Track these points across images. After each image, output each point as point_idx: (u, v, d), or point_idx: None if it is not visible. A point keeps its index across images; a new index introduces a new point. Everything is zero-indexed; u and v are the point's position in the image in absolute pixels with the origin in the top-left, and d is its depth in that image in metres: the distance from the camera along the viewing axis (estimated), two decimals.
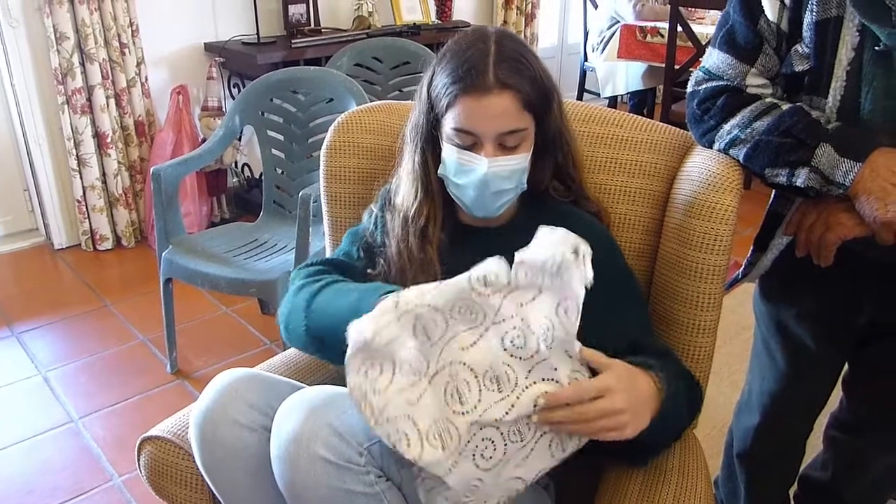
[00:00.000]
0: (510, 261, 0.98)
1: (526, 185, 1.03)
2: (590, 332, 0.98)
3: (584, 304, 0.89)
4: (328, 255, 1.39)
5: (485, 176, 0.97)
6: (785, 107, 1.00)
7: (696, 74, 1.11)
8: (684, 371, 1.04)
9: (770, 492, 1.46)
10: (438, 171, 1.05)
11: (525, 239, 1.06)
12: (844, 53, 0.95)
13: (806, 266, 1.06)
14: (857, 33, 0.94)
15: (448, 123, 0.99)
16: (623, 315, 1.03)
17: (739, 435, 1.42)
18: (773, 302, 1.25)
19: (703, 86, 1.09)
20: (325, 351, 0.97)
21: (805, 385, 1.28)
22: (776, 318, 1.25)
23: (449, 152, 1.01)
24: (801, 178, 0.97)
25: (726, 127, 1.04)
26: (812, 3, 0.96)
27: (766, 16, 1.01)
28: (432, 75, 1.01)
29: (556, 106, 1.02)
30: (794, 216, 1.06)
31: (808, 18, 0.97)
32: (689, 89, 1.12)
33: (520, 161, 0.99)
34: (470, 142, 0.98)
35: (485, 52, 0.96)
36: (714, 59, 1.08)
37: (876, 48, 0.93)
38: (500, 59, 0.95)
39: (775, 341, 1.27)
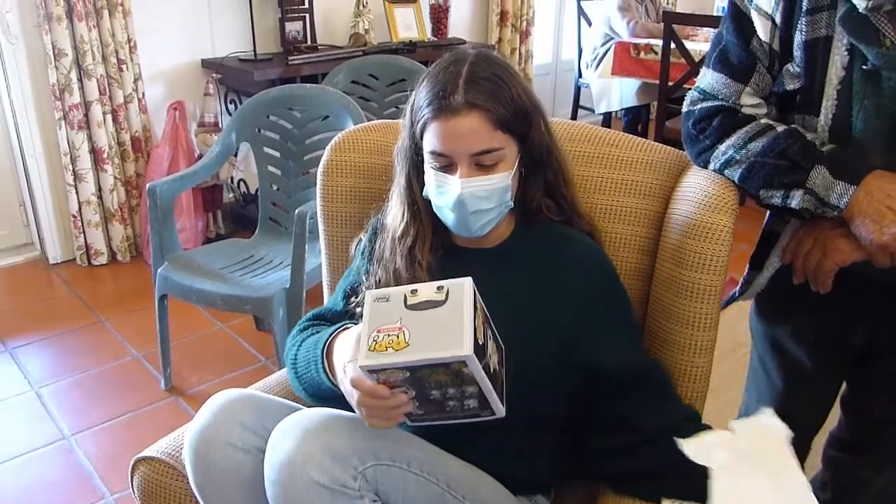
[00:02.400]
0: (505, 279, 0.98)
1: (512, 203, 1.03)
2: (575, 355, 0.99)
3: (574, 325, 0.90)
4: (325, 274, 1.40)
5: (460, 197, 0.98)
6: (780, 128, 1.00)
7: (690, 94, 1.12)
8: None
9: None
10: (423, 193, 1.05)
11: (519, 259, 1.06)
12: (834, 73, 0.96)
13: (801, 286, 1.06)
14: (847, 52, 0.95)
15: (425, 146, 1.00)
16: (613, 343, 1.03)
17: None
18: (769, 321, 1.25)
19: (699, 106, 1.10)
20: (335, 402, 0.98)
21: (802, 403, 1.28)
22: (772, 336, 1.25)
23: (428, 174, 1.02)
24: (796, 199, 0.97)
25: (721, 147, 1.05)
26: (802, 24, 0.97)
27: (758, 36, 1.02)
28: (413, 98, 1.02)
29: (540, 124, 1.03)
30: (789, 243, 1.06)
31: (797, 38, 0.99)
32: (684, 109, 1.12)
33: (498, 180, 0.98)
34: (446, 163, 0.99)
35: (457, 74, 0.96)
36: (708, 79, 1.09)
37: (864, 67, 0.94)
38: (471, 79, 0.96)
39: (771, 359, 1.27)
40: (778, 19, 1.00)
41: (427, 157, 1.01)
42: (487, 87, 0.96)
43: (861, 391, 1.23)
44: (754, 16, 1.02)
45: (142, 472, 1.10)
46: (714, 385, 1.18)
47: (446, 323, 0.79)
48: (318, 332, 1.08)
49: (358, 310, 1.10)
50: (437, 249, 1.08)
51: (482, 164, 0.97)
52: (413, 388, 0.83)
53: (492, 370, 0.82)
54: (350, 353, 0.89)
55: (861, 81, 0.94)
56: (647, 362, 1.07)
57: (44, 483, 1.84)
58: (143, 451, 1.12)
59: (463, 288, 0.81)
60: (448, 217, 1.02)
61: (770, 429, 0.85)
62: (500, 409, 0.86)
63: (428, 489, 0.92)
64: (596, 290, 1.04)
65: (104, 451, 1.96)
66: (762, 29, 1.02)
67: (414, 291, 0.82)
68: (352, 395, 0.88)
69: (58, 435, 2.02)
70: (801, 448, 1.33)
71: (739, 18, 1.04)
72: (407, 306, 0.81)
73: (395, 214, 1.09)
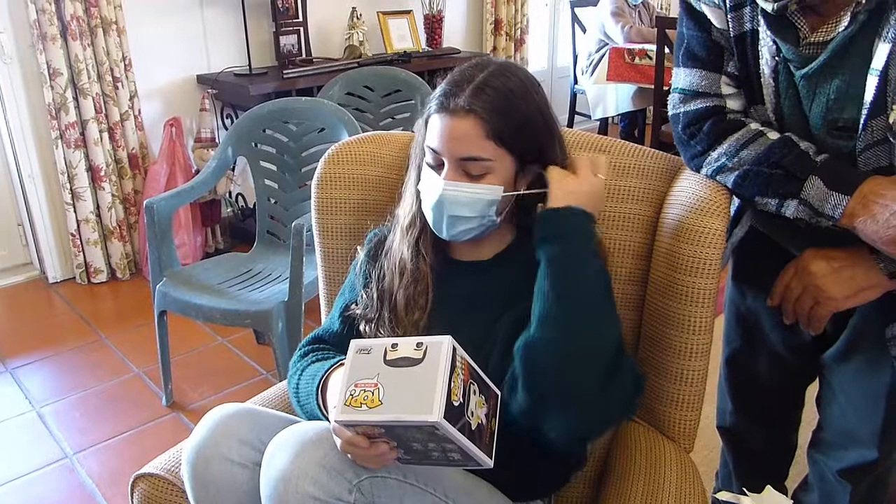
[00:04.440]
0: (485, 292, 0.96)
1: (496, 221, 1.01)
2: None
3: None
4: (321, 286, 1.40)
5: (440, 197, 0.98)
6: (773, 136, 1.01)
7: (672, 97, 1.12)
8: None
9: (757, 468, 1.46)
10: (419, 187, 1.06)
11: (508, 273, 1.05)
12: (765, 63, 0.99)
13: (770, 258, 1.09)
14: (773, 43, 0.97)
15: (426, 139, 1.01)
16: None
17: (720, 407, 1.45)
18: (741, 284, 1.29)
19: (684, 108, 1.09)
20: None
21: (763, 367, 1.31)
22: (742, 301, 1.29)
23: (424, 171, 1.03)
24: (791, 209, 0.98)
25: (713, 154, 1.05)
26: (729, 19, 1.01)
27: (715, 26, 1.04)
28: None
29: (552, 147, 1.01)
30: (776, 287, 1.07)
31: (730, 34, 1.02)
32: (670, 112, 1.12)
33: (483, 192, 0.97)
34: (438, 161, 0.99)
35: (470, 78, 0.97)
36: (683, 77, 1.10)
37: (776, 58, 0.98)
38: (480, 87, 0.96)
39: (735, 319, 1.33)
40: (726, 6, 1.02)
41: (426, 150, 1.01)
42: (494, 98, 0.95)
43: (826, 393, 1.23)
44: (705, 9, 1.04)
45: (141, 489, 1.10)
46: (711, 389, 1.18)
47: (419, 384, 0.78)
48: (318, 358, 1.09)
49: (358, 311, 1.10)
50: (438, 252, 1.08)
51: (468, 171, 0.97)
52: (394, 440, 0.83)
53: (473, 427, 0.81)
54: (335, 398, 0.90)
55: (784, 71, 0.98)
56: None
57: (47, 503, 1.84)
58: (143, 467, 1.12)
59: (441, 348, 0.79)
60: (429, 215, 1.03)
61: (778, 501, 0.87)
62: (485, 462, 0.84)
63: (425, 499, 0.92)
64: None
65: (107, 469, 1.96)
66: (717, 19, 1.03)
67: (394, 346, 0.82)
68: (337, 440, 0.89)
69: (60, 454, 2.02)
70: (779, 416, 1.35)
71: (694, 14, 1.06)
72: (386, 361, 0.81)
73: (405, 206, 1.10)
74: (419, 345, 0.81)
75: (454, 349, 0.80)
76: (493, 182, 0.98)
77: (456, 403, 0.78)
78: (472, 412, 0.81)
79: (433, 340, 0.80)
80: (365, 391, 0.80)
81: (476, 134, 0.95)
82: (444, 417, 0.75)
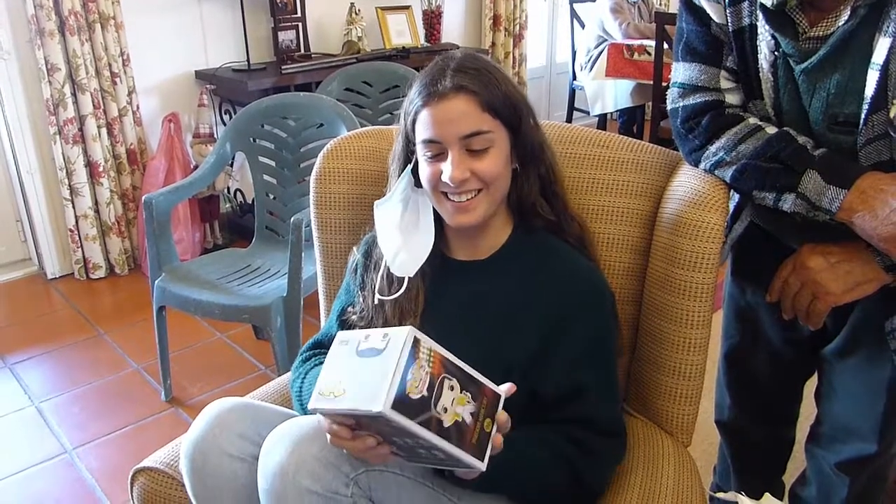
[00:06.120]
0: (488, 294, 0.96)
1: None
2: (525, 382, 0.95)
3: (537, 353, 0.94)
4: (320, 281, 1.40)
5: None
6: (771, 130, 1.01)
7: (671, 92, 1.12)
8: (582, 448, 0.98)
9: (756, 462, 1.46)
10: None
11: (508, 275, 1.05)
12: (763, 58, 1.00)
13: (768, 254, 1.09)
14: (771, 38, 0.97)
15: (417, 137, 1.00)
16: (578, 376, 1.00)
17: (718, 401, 1.46)
18: (741, 280, 1.29)
19: (683, 102, 1.09)
20: None
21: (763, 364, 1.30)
22: (741, 298, 1.29)
23: (422, 168, 1.02)
24: (788, 203, 0.98)
25: (711, 149, 1.05)
26: (728, 13, 1.01)
27: (714, 21, 1.04)
28: (406, 99, 1.04)
29: (529, 117, 1.03)
30: (774, 283, 1.07)
31: (729, 28, 1.02)
32: (668, 106, 1.12)
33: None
34: (437, 151, 0.99)
35: (444, 67, 0.99)
36: (682, 71, 1.10)
37: (775, 53, 0.98)
38: (459, 68, 0.98)
39: (735, 317, 1.32)
40: (725, 1, 1.02)
41: (420, 149, 1.01)
42: (476, 74, 0.97)
43: (825, 389, 1.23)
44: (705, 4, 1.04)
45: (141, 483, 1.11)
46: (710, 383, 1.18)
47: (376, 374, 0.76)
48: (319, 362, 1.09)
49: (354, 317, 1.10)
50: (434, 258, 1.07)
51: (472, 148, 0.97)
52: (376, 432, 0.82)
53: (447, 424, 0.78)
54: None
55: (783, 66, 0.98)
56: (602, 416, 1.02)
57: (46, 498, 1.84)
58: (142, 461, 1.13)
59: (399, 338, 0.78)
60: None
61: None
62: (474, 464, 0.80)
63: (422, 492, 0.92)
64: (573, 323, 1.01)
65: (106, 464, 1.96)
66: (716, 14, 1.04)
67: (367, 337, 0.81)
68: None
69: (59, 449, 2.02)
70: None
71: (694, 9, 1.06)
72: (357, 352, 0.80)
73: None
74: (385, 335, 0.80)
75: (416, 340, 0.78)
76: (496, 156, 0.99)
77: (415, 396, 0.76)
78: (446, 408, 0.78)
79: (397, 330, 0.79)
80: (335, 381, 0.80)
81: (472, 109, 0.96)
82: (395, 409, 0.73)
